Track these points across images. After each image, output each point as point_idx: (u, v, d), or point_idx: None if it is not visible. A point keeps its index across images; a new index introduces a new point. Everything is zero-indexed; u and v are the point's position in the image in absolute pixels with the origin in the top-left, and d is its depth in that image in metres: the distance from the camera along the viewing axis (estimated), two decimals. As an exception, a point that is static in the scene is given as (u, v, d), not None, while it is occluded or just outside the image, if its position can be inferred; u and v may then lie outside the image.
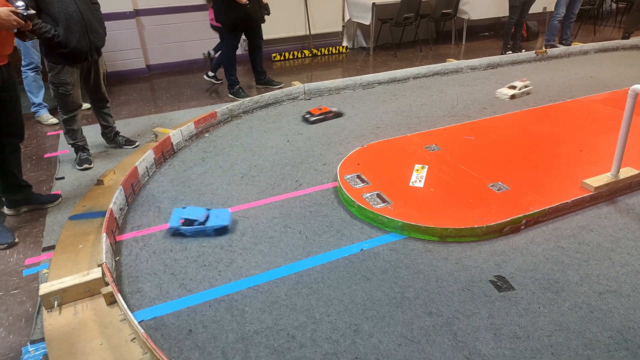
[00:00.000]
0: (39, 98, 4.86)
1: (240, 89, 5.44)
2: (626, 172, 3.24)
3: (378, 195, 3.13)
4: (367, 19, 7.14)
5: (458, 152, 3.75)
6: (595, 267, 2.55)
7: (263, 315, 2.28)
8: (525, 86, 4.37)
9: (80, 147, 3.86)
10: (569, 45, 7.30)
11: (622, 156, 3.08)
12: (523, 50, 7.14)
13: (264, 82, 5.81)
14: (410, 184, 3.27)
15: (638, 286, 2.41)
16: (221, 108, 4.70)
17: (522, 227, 2.88)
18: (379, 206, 2.99)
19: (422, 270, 2.55)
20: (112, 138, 4.18)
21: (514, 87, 4.43)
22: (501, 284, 2.45)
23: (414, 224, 2.79)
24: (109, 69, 6.35)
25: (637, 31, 7.96)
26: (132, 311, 2.32)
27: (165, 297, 2.43)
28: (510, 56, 6.60)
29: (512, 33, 7.19)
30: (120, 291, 2.46)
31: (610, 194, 3.17)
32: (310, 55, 7.43)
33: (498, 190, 3.16)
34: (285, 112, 5.00)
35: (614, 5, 10.22)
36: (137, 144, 4.18)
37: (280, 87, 5.63)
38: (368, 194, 3.13)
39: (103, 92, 3.92)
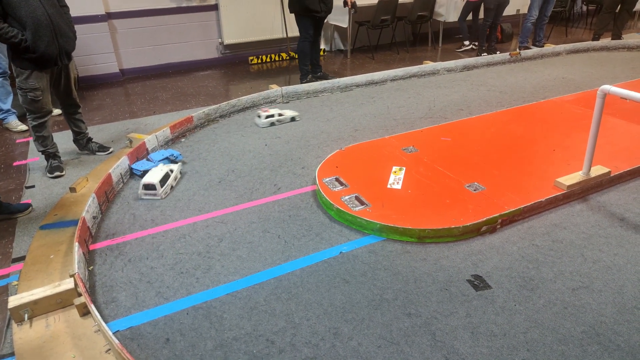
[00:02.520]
0: (7, 104, 4.74)
1: (312, 79, 5.68)
2: (597, 170, 3.34)
3: (356, 198, 3.15)
4: (344, 22, 7.20)
5: (435, 154, 3.81)
6: (568, 264, 2.63)
7: (242, 322, 2.28)
8: (280, 114, 4.54)
9: (51, 154, 3.78)
10: (542, 46, 7.50)
11: (592, 155, 3.18)
12: (497, 52, 7.31)
13: (319, 76, 6.06)
14: (389, 186, 3.30)
15: (609, 282, 2.49)
16: (197, 112, 4.67)
17: (498, 226, 2.94)
18: (357, 208, 3.01)
19: (400, 272, 2.58)
20: (84, 144, 4.10)
21: (271, 116, 4.53)
22: (478, 283, 2.50)
23: (392, 225, 2.82)
24: (81, 74, 6.23)
25: (606, 33, 8.24)
26: (106, 322, 2.28)
27: (142, 306, 2.40)
28: (485, 58, 6.75)
29: (486, 35, 7.36)
30: (94, 301, 2.42)
31: (582, 192, 3.26)
32: (287, 58, 7.44)
33: (474, 190, 3.22)
34: (263, 116, 5.04)
35: (584, 8, 10.55)
36: (110, 150, 4.12)
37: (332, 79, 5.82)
38: (347, 197, 3.16)
39: (74, 98, 3.85)
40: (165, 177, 3.43)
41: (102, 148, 4.11)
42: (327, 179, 3.40)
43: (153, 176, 3.39)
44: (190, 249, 2.82)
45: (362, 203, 3.08)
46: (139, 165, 3.71)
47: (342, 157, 3.79)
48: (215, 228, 3.02)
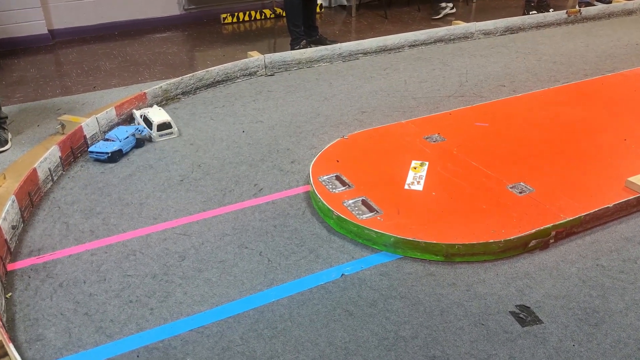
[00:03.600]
0: None
1: (306, 45, 5.68)
2: (682, 167, 3.35)
3: (363, 203, 3.14)
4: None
5: (468, 144, 3.81)
6: (644, 291, 2.63)
7: (211, 367, 2.27)
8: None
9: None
10: (610, 2, 7.53)
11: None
12: (551, 10, 7.32)
13: (316, 40, 6.03)
14: (406, 187, 3.30)
15: (698, 314, 2.50)
16: (152, 88, 4.65)
17: (552, 240, 2.94)
18: (364, 217, 3.01)
19: (422, 301, 2.58)
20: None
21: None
22: (525, 315, 2.50)
23: (411, 239, 2.82)
24: (-3, 36, 6.20)
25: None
26: (30, 367, 2.27)
27: (77, 346, 2.37)
28: (534, 17, 6.76)
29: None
30: (13, 340, 2.40)
31: (662, 195, 3.27)
32: (272, 16, 7.42)
33: (520, 193, 3.23)
34: (239, 93, 5.00)
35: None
36: (6, 147, 4.06)
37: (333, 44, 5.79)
38: (351, 201, 3.15)
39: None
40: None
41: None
42: (325, 177, 3.39)
43: (161, 115, 4.12)
44: (142, 269, 2.81)
45: (370, 209, 3.08)
46: (101, 147, 3.83)
47: (344, 148, 3.78)
48: (175, 242, 3.00)
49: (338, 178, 3.40)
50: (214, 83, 5.14)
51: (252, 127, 4.33)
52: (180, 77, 4.89)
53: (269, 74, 5.45)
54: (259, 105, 4.74)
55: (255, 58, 5.36)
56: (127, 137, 3.93)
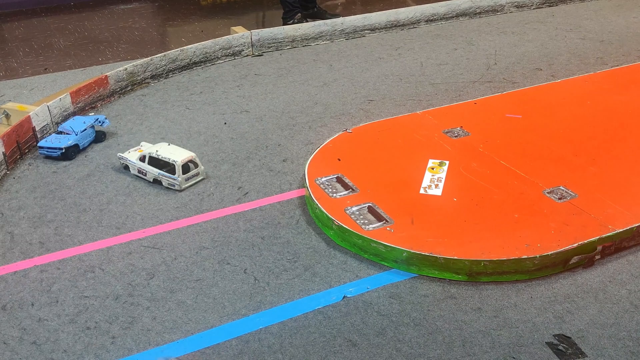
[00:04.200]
0: None
1: (302, 19, 5.74)
2: None
3: (370, 210, 3.14)
4: None
5: (497, 140, 3.81)
6: None
7: (185, 408, 2.26)
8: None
9: None
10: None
11: None
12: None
13: (314, 13, 6.03)
14: (422, 191, 3.30)
15: None
16: (115, 70, 4.65)
17: (597, 257, 2.94)
18: (371, 227, 3.00)
19: (440, 329, 2.57)
20: None
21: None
22: (565, 347, 2.49)
23: (427, 254, 2.81)
24: None
25: None
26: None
27: (22, 383, 2.37)
28: (577, -13, 6.75)
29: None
30: (-54, 375, 2.39)
31: None
32: (261, -16, 7.41)
33: (559, 199, 3.23)
34: (220, 77, 5.00)
35: None
36: None
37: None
38: (355, 208, 3.15)
39: None
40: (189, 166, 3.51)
41: None
42: (324, 179, 3.39)
43: (175, 153, 3.49)
44: (102, 290, 2.80)
45: (379, 218, 3.07)
46: (53, 141, 3.83)
47: (347, 143, 3.78)
48: (142, 257, 3.00)
49: (339, 180, 3.40)
50: (190, 65, 5.13)
51: (235, 118, 4.32)
52: (149, 58, 4.88)
53: (257, 53, 5.44)
54: (245, 92, 4.73)
55: (239, 35, 5.35)
56: (85, 129, 3.90)
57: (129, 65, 4.75)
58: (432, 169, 3.50)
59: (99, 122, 3.98)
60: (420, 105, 4.40)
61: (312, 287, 2.79)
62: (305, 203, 3.37)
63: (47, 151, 3.81)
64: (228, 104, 4.51)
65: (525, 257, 2.80)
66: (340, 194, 3.27)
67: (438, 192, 3.30)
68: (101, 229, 3.20)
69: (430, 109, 4.26)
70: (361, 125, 4.03)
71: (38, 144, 3.88)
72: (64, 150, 3.78)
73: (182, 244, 3.08)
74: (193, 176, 3.53)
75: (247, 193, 3.47)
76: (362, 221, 3.05)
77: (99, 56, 5.43)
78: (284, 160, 3.79)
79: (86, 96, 4.41)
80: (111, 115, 4.33)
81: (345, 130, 3.93)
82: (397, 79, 4.88)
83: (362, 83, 4.82)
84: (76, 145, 3.85)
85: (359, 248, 2.97)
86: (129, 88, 4.74)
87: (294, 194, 3.47)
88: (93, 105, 4.47)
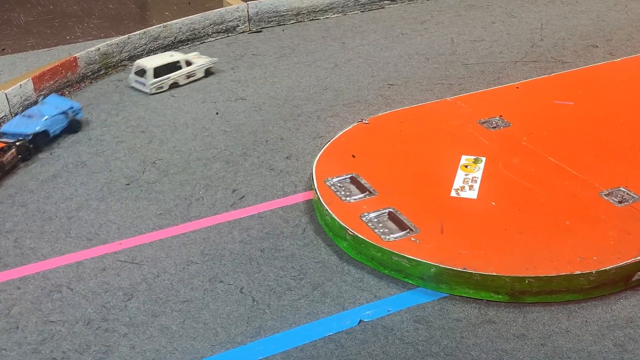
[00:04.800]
0: None
1: None
2: None
3: (391, 217, 3.13)
4: None
5: (543, 131, 3.79)
6: None
7: None
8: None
9: None
10: None
11: None
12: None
13: None
14: (453, 193, 3.28)
15: None
16: (86, 51, 4.66)
17: (666, 272, 2.93)
18: (393, 237, 2.99)
19: (476, 359, 2.58)
20: None
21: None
22: (626, 381, 2.48)
23: (460, 270, 2.79)
24: None
25: None
26: None
27: None
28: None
29: None
30: None
31: None
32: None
33: (620, 202, 3.21)
34: (213, 56, 4.94)
35: None
36: None
37: None
38: (373, 214, 3.14)
39: None
40: (170, 67, 4.31)
41: None
42: (336, 180, 3.38)
43: (152, 60, 4.33)
44: (70, 313, 2.80)
45: (401, 226, 3.06)
46: (18, 126, 3.88)
47: (363, 136, 3.77)
48: (119, 273, 3.00)
49: (354, 181, 3.39)
50: (175, 43, 5.14)
51: (229, 107, 4.32)
52: (126, 35, 4.89)
53: (255, 30, 5.44)
54: (240, 76, 4.73)
55: (234, 7, 5.35)
56: (56, 114, 3.94)
57: (103, 44, 4.76)
58: (466, 166, 3.49)
59: (74, 110, 4.04)
60: (451, 91, 4.39)
61: (321, 310, 2.78)
62: (312, 209, 3.37)
63: (7, 136, 3.81)
64: (220, 91, 4.50)
65: (579, 272, 2.78)
66: (355, 197, 3.27)
67: (473, 194, 3.29)
68: (69, 241, 3.20)
69: (463, 94, 4.25)
70: (380, 114, 4.03)
71: (0, 129, 3.91)
72: (30, 137, 3.80)
73: (166, 258, 3.08)
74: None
75: (243, 197, 3.47)
76: (381, 230, 3.04)
77: (66, 34, 5.44)
78: (287, 158, 3.79)
79: (51, 82, 4.41)
80: (81, 105, 4.33)
81: (361, 120, 3.93)
82: (424, 58, 4.86)
83: (380, 64, 4.80)
84: (45, 133, 3.88)
85: (377, 262, 2.97)
86: (102, 72, 4.75)
87: (300, 197, 3.47)
88: (60, 93, 4.46)
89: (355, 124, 3.92)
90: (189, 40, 5.20)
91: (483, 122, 3.89)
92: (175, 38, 5.12)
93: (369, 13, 5.73)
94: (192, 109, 4.30)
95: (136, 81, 4.46)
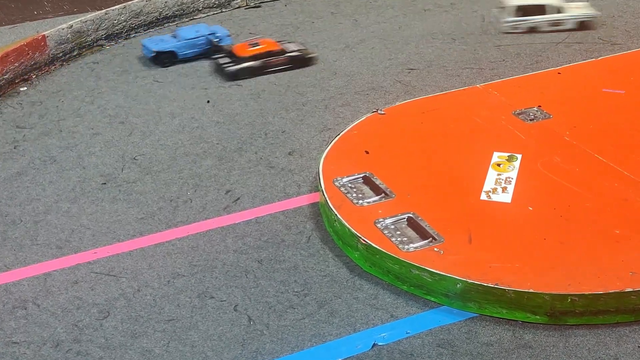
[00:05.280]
0: None
1: None
2: None
3: (411, 223, 3.12)
4: None
5: (589, 125, 3.79)
6: None
7: None
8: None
9: None
10: None
11: None
12: None
13: None
14: (483, 196, 3.27)
15: None
16: (56, 28, 4.67)
17: None
18: (413, 247, 2.98)
19: (509, 391, 2.56)
20: None
21: None
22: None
23: (491, 285, 2.79)
24: None
25: None
26: None
27: None
28: None
29: None
30: None
31: None
32: None
33: (679, 208, 3.20)
34: (202, 37, 5.02)
35: None
36: None
37: None
38: (389, 220, 3.13)
39: None
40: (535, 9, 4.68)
41: None
42: (346, 180, 3.38)
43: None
44: (37, 333, 2.80)
45: (423, 235, 3.05)
46: (154, 42, 4.63)
47: (379, 129, 3.78)
48: (93, 287, 3.00)
49: (368, 181, 3.38)
50: (160, 20, 5.15)
51: (223, 93, 4.32)
52: (103, 11, 4.89)
53: (253, 4, 5.44)
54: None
55: (229, -22, 5.36)
56: (194, 38, 4.53)
57: (75, 21, 4.76)
58: (499, 165, 3.48)
59: (217, 36, 4.55)
60: (481, 76, 4.38)
61: (329, 331, 2.78)
62: (319, 213, 3.37)
63: (144, 50, 4.57)
64: (212, 75, 4.51)
65: (630, 290, 2.77)
66: (368, 200, 3.27)
67: (507, 198, 3.28)
68: (36, 249, 3.20)
69: (496, 80, 4.24)
70: (398, 104, 4.03)
71: (142, 41, 4.65)
72: (155, 54, 4.46)
73: (148, 270, 3.08)
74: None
75: (238, 199, 3.47)
76: (399, 239, 3.03)
77: (34, 8, 5.44)
78: (289, 153, 3.79)
79: (16, 64, 4.42)
80: (51, 91, 4.34)
81: (376, 110, 3.93)
82: (450, 38, 4.85)
83: (399, 45, 4.80)
84: (172, 53, 4.49)
85: (394, 276, 2.96)
86: (75, 53, 4.76)
87: (304, 200, 3.46)
88: (25, 77, 4.47)
89: (369, 114, 3.91)
90: (176, 16, 5.23)
91: (519, 114, 3.87)
92: (160, 14, 5.13)
93: (385, -15, 5.72)
94: (179, 96, 4.31)
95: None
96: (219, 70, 4.59)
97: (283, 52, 4.63)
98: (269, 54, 4.60)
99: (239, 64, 4.56)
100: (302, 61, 4.69)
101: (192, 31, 4.57)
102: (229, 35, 4.59)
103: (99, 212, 3.43)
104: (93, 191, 3.56)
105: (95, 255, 3.17)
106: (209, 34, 4.52)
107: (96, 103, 4.26)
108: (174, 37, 4.54)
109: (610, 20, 5.10)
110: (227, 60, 4.60)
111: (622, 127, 3.78)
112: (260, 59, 4.57)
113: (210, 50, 4.56)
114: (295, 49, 4.71)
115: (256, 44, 4.62)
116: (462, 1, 5.43)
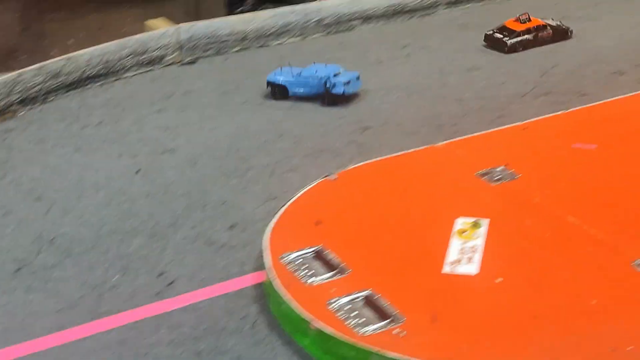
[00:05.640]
0: None
1: (260, 5, 6.11)
2: None
3: (368, 302, 3.11)
4: None
5: (560, 184, 3.83)
6: None
7: None
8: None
9: None
10: None
11: None
12: None
13: None
14: (447, 269, 3.28)
15: None
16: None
17: None
18: (371, 329, 2.96)
19: None
20: None
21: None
22: None
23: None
24: None
25: None
26: None
27: None
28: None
29: None
30: None
31: None
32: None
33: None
34: (131, 98, 5.04)
35: None
36: None
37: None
38: (344, 300, 3.12)
39: None
40: None
41: None
42: (295, 256, 3.37)
43: None
44: None
45: (382, 315, 3.03)
46: (278, 74, 4.98)
47: (331, 196, 3.80)
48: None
49: (319, 256, 3.38)
50: (82, 80, 5.15)
51: (155, 161, 4.31)
52: (16, 72, 4.89)
53: (188, 60, 5.48)
54: (169, 120, 4.74)
55: (160, 32, 5.40)
56: (310, 78, 4.83)
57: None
58: (463, 232, 3.50)
59: (331, 82, 4.80)
60: (441, 134, 4.42)
61: None
62: (264, 295, 3.34)
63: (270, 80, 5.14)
64: (143, 141, 4.50)
65: (614, 373, 2.78)
66: (320, 277, 3.25)
67: (472, 269, 3.28)
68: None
69: (458, 138, 4.28)
70: (351, 167, 4.04)
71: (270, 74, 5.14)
72: (269, 85, 4.88)
73: (69, 370, 3.01)
74: None
75: (172, 282, 3.44)
76: (355, 321, 3.01)
77: None
78: (231, 227, 3.77)
79: None
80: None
81: (327, 176, 3.94)
82: (405, 93, 4.91)
83: (351, 101, 4.85)
84: (283, 88, 4.80)
85: (352, 364, 2.93)
86: (-17, 120, 4.71)
87: (248, 280, 3.44)
88: None
89: (319, 180, 3.92)
90: (100, 76, 5.19)
91: (483, 174, 3.91)
92: (82, 74, 5.11)
93: (335, 36, 5.80)
94: (104, 166, 4.28)
95: None
96: (495, 44, 5.47)
97: (547, 26, 5.55)
98: (538, 28, 5.49)
99: (516, 37, 5.42)
100: (563, 34, 5.65)
101: (312, 70, 4.85)
102: (358, 78, 4.88)
103: (11, 303, 3.34)
104: (4, 279, 3.48)
105: (7, 356, 3.09)
106: (325, 76, 4.80)
107: (8, 177, 4.20)
108: (299, 73, 4.85)
109: (579, 68, 5.20)
110: (501, 35, 5.47)
111: (594, 186, 3.84)
112: (532, 32, 5.43)
113: (323, 94, 4.81)
114: (554, 24, 5.67)
115: (527, 19, 5.43)
116: (417, 52, 5.52)
